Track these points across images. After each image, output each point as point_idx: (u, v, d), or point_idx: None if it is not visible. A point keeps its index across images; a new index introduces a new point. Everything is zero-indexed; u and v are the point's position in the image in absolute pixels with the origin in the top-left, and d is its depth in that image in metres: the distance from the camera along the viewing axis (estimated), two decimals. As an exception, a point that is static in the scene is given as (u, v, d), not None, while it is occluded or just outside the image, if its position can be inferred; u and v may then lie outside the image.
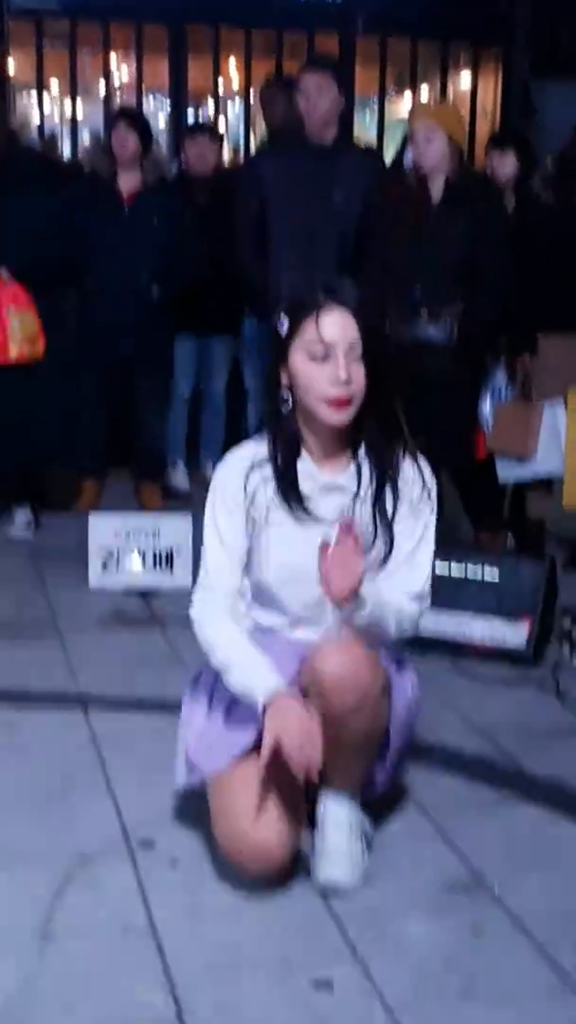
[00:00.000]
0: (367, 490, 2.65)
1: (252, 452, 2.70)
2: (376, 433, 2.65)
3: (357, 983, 2.36)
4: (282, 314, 2.60)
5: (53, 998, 2.30)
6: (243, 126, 19.26)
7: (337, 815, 2.71)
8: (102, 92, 19.61)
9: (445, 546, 4.32)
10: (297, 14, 22.51)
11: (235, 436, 6.49)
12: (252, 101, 22.11)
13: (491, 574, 4.16)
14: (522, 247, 4.86)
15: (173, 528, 4.74)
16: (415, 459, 2.71)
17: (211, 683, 2.78)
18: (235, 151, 13.73)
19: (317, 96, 4.94)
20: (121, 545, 4.72)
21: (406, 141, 4.97)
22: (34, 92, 18.28)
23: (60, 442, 5.47)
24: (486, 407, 5.12)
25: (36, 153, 6.82)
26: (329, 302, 2.56)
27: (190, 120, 14.10)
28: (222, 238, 5.37)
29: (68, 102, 18.93)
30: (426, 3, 21.80)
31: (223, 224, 5.37)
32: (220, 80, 19.54)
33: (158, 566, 4.72)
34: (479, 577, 4.17)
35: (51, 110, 23.29)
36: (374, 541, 2.65)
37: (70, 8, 21.38)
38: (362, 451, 2.67)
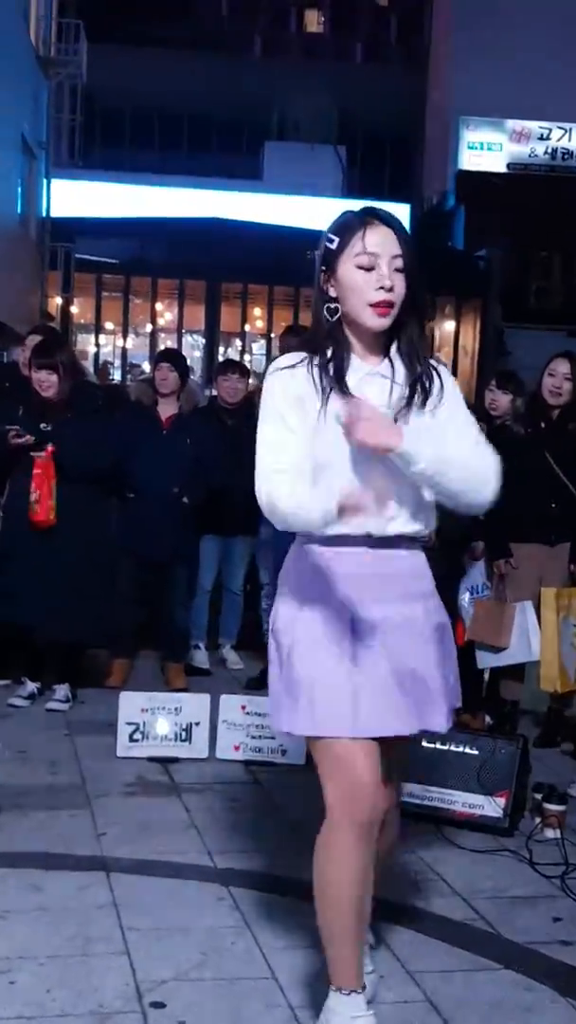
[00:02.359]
0: (403, 376, 2.50)
1: (292, 359, 2.53)
2: (409, 336, 2.51)
3: None
4: (331, 233, 2.49)
5: None
6: (265, 360, 19.73)
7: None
8: (148, 330, 20.14)
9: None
10: (311, 275, 23.26)
11: (250, 622, 6.44)
12: (272, 342, 22.81)
13: (472, 751, 4.01)
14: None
15: (193, 704, 4.61)
16: (438, 363, 2.57)
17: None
18: (260, 380, 14.08)
19: None
20: (147, 719, 4.59)
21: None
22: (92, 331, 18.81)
23: (98, 626, 5.38)
24: (465, 600, 5.12)
25: (95, 385, 6.96)
26: (374, 219, 2.46)
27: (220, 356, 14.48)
28: (247, 454, 5.39)
29: (120, 338, 19.46)
30: (418, 266, 22.64)
31: (249, 442, 5.39)
32: (247, 325, 20.12)
33: (179, 738, 4.58)
34: (460, 753, 4.01)
35: (107, 344, 24.01)
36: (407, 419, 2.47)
37: (126, 265, 22.25)
38: (393, 349, 2.52)
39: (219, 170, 25.44)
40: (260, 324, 23.26)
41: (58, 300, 21.09)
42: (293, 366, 2.51)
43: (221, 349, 23.17)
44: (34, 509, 5.07)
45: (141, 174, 24.54)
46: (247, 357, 21.86)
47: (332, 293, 2.50)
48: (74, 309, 21.82)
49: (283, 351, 6.73)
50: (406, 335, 2.51)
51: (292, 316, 21.89)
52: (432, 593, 2.58)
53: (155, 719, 4.57)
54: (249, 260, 20.93)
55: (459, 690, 2.63)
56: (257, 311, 23.26)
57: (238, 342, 23.41)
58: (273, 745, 4.50)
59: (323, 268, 2.51)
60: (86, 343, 22.82)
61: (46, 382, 5.09)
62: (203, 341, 23.08)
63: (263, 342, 23.24)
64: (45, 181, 20.28)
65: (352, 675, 2.40)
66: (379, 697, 2.41)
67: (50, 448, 5.08)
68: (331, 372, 2.48)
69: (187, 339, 22.90)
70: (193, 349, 22.47)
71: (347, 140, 27.76)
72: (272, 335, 22.59)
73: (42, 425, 5.09)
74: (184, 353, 8.20)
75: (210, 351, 22.56)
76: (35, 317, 17.77)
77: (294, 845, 3.37)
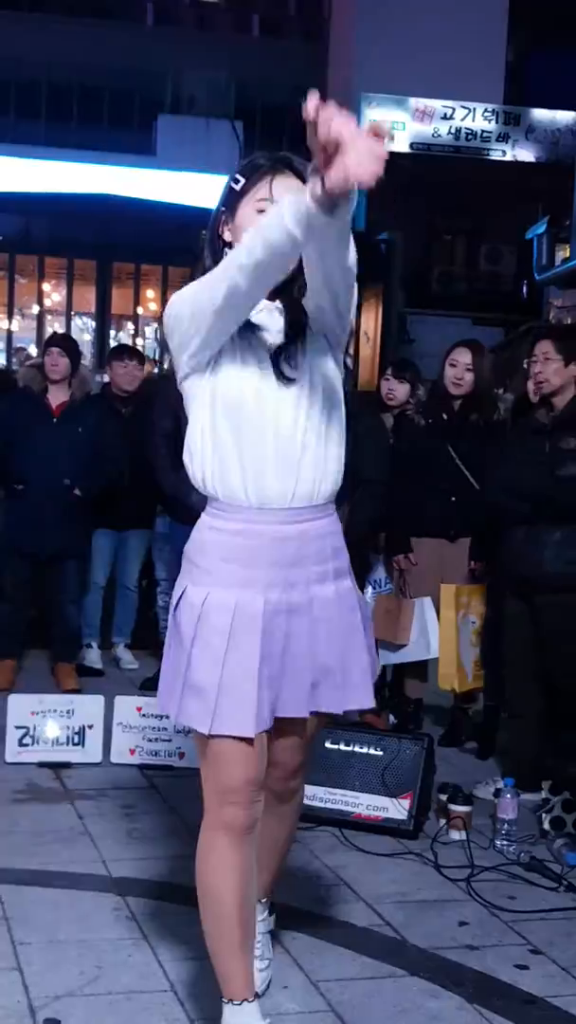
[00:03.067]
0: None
1: None
2: (300, 286, 2.37)
3: None
4: (237, 174, 2.44)
5: None
6: (158, 346, 19.64)
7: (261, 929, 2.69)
8: (35, 311, 19.90)
9: (332, 726, 4.27)
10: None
11: (145, 619, 6.41)
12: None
13: (375, 751, 4.06)
14: (397, 461, 4.97)
15: (86, 707, 4.57)
16: None
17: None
18: (153, 364, 14.04)
19: None
20: (37, 722, 4.54)
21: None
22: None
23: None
24: (368, 595, 5.18)
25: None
26: (285, 169, 2.40)
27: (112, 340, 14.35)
28: (140, 444, 5.37)
29: (4, 320, 19.16)
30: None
31: (142, 432, 5.37)
32: (140, 307, 20.01)
33: (71, 742, 4.53)
34: (364, 754, 4.06)
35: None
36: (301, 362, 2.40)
37: (10, 242, 21.88)
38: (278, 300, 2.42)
39: (110, 144, 25.13)
40: (154, 307, 23.07)
41: None
42: None
43: (112, 332, 22.93)
44: None
45: (27, 147, 24.13)
46: (140, 341, 21.69)
47: (227, 237, 2.44)
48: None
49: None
50: (297, 284, 2.39)
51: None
52: (347, 571, 2.54)
53: (46, 722, 4.53)
54: (142, 239, 20.76)
55: (375, 668, 2.62)
56: (151, 293, 23.08)
57: (130, 325, 23.20)
58: (171, 748, 4.50)
59: (223, 209, 2.45)
60: (-32, 327, 22.37)
61: None
62: (93, 324, 22.82)
63: (156, 326, 23.10)
64: None
65: (261, 667, 2.36)
66: (288, 686, 2.41)
67: None
68: None
69: (76, 321, 22.60)
70: (83, 332, 22.19)
71: (244, 115, 27.71)
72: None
73: None
74: (74, 337, 8.10)
75: (101, 335, 22.31)
76: None
77: (192, 852, 3.37)
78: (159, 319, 24.90)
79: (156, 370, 12.04)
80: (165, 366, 12.25)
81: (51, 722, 4.53)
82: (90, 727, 4.54)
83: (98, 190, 21.61)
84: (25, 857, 3.62)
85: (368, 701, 2.52)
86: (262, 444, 2.37)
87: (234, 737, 2.36)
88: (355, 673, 2.50)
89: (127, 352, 6.30)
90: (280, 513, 2.40)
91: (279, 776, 2.58)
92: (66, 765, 4.46)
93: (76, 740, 4.53)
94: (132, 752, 4.52)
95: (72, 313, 22.56)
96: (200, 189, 23.73)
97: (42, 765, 4.47)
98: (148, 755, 4.53)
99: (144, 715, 4.53)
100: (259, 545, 2.40)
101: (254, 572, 2.40)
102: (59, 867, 3.54)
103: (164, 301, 24.85)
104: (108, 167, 23.94)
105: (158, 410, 5.11)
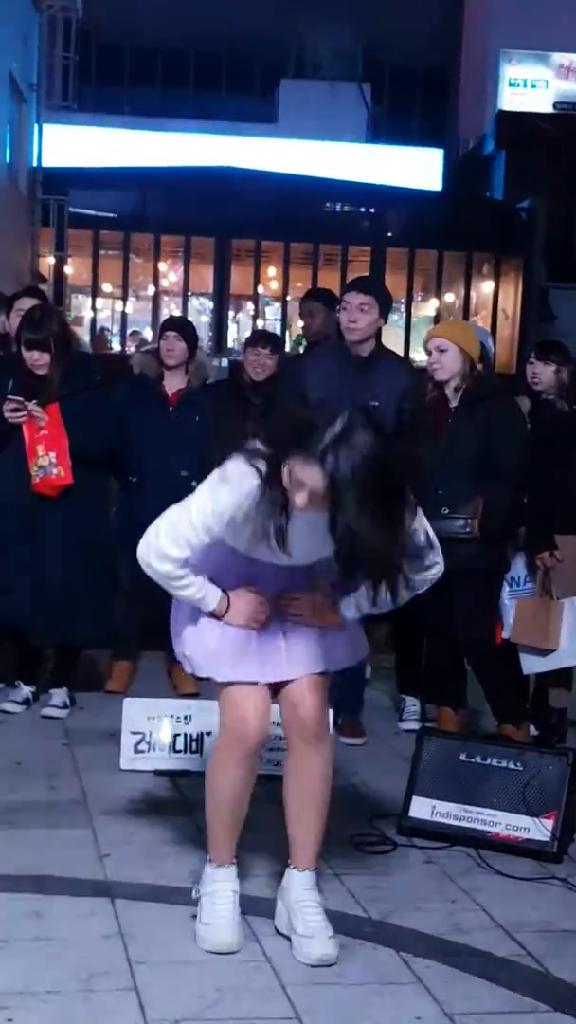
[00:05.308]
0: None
1: (254, 483, 2.98)
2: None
3: None
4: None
5: None
6: (280, 328, 19.69)
7: (312, 898, 3.24)
8: (150, 292, 20.13)
9: (469, 738, 4.22)
10: (332, 229, 23.25)
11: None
12: (289, 306, 22.66)
13: (515, 766, 4.01)
14: (536, 449, 4.90)
15: (204, 712, 4.62)
16: None
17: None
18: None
19: (359, 315, 5.03)
20: (153, 728, 4.61)
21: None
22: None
23: (97, 625, 5.40)
24: (505, 594, 5.11)
25: (91, 356, 6.92)
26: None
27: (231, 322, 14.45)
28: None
29: (119, 302, 19.43)
30: (452, 219, 22.61)
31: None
32: (260, 286, 20.07)
33: (189, 750, 4.59)
34: (503, 769, 4.02)
35: (104, 308, 23.94)
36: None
37: (126, 220, 22.17)
38: None
39: (229, 113, 25.37)
40: (275, 286, 23.23)
41: (50, 259, 21.11)
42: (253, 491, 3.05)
43: (231, 314, 23.14)
44: (52, 474, 5.06)
45: (143, 118, 24.49)
46: (260, 323, 21.83)
47: (286, 480, 2.96)
48: (68, 270, 21.85)
49: (304, 318, 6.73)
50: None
51: (311, 276, 21.87)
52: None
53: (162, 728, 4.59)
54: (263, 214, 20.90)
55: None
56: (271, 271, 23.23)
57: (250, 306, 23.38)
58: (294, 758, 4.51)
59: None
60: (81, 307, 22.84)
61: (39, 361, 5.09)
62: (211, 305, 23.06)
63: (278, 306, 23.20)
64: (36, 127, 20.26)
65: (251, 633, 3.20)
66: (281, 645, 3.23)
67: (53, 405, 5.07)
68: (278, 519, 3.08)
69: (193, 303, 22.87)
70: (200, 314, 22.44)
71: (372, 78, 27.64)
72: (288, 298, 22.56)
73: (33, 403, 5.10)
74: (191, 319, 8.16)
75: (219, 317, 22.53)
76: (25, 279, 17.81)
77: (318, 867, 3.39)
78: (281, 299, 24.95)
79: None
80: (287, 349, 12.27)
81: (167, 728, 4.59)
82: (208, 734, 4.58)
83: (217, 162, 21.82)
84: (141, 871, 3.68)
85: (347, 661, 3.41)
86: None
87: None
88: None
89: (262, 339, 6.24)
90: None
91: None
92: (184, 773, 4.51)
93: (194, 747, 4.59)
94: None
95: (189, 294, 22.84)
96: (325, 158, 23.81)
97: (158, 773, 4.53)
98: (270, 765, 4.55)
99: (271, 722, 4.54)
100: None
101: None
102: (177, 882, 3.57)
103: (287, 280, 24.88)
104: (227, 137, 24.14)
105: (284, 397, 5.13)
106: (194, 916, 3.27)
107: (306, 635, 3.26)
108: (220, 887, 3.27)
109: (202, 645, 3.26)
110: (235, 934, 3.19)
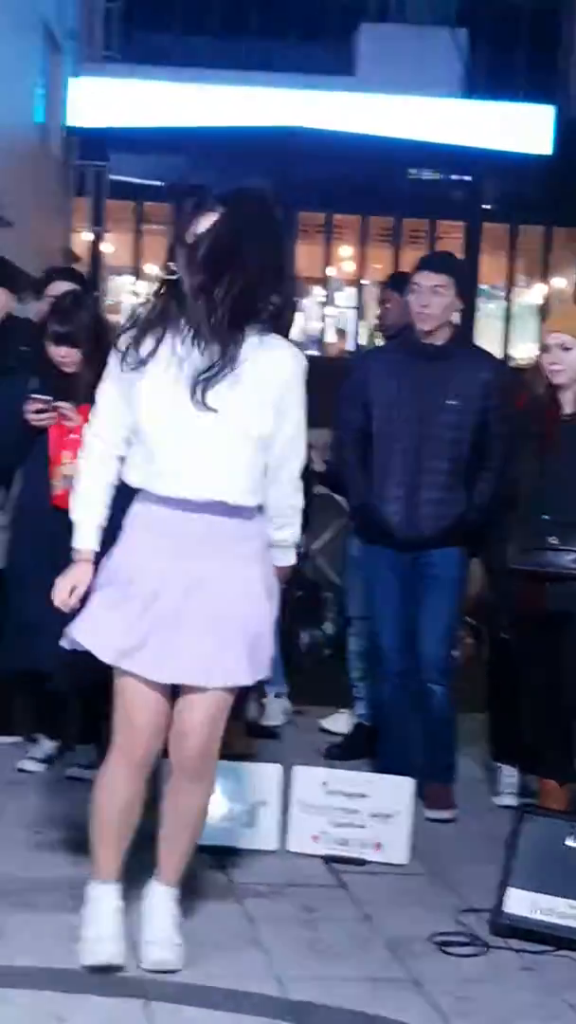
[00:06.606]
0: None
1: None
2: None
3: None
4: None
5: None
6: (356, 317, 19.70)
7: (168, 910, 3.67)
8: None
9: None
10: (418, 200, 23.23)
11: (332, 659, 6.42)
12: (365, 291, 22.65)
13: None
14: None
15: (259, 778, 4.60)
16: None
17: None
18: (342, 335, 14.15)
19: (433, 298, 5.02)
20: (198, 795, 4.59)
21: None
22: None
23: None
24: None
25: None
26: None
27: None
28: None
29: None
30: (562, 189, 22.53)
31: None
32: (331, 268, 20.14)
33: (239, 823, 4.57)
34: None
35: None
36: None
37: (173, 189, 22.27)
38: None
39: (298, 64, 25.45)
40: (349, 267, 23.24)
41: (86, 236, 21.31)
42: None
43: (296, 300, 23.11)
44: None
45: (195, 70, 24.58)
46: (330, 311, 21.84)
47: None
48: (106, 247, 22.04)
49: (382, 305, 6.71)
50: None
51: (392, 257, 21.86)
52: (261, 558, 3.62)
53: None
54: (336, 182, 20.96)
55: (270, 651, 3.71)
56: (345, 250, 23.25)
57: (319, 291, 23.40)
58: (364, 837, 4.49)
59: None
60: (120, 291, 23.00)
61: (67, 358, 5.11)
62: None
63: (351, 292, 23.21)
64: (73, 82, 20.46)
65: (148, 620, 3.53)
66: (174, 645, 3.51)
67: (85, 406, 5.09)
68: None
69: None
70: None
71: (469, 21, 27.65)
72: (364, 282, 22.57)
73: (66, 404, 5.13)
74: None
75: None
76: (58, 257, 17.96)
77: (391, 972, 3.35)
78: (355, 282, 24.90)
79: (352, 347, 12.08)
80: (361, 342, 12.28)
81: (217, 795, 4.57)
82: (263, 804, 4.57)
83: (282, 122, 21.88)
84: (182, 968, 3.65)
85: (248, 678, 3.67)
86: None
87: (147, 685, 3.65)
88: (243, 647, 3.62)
89: None
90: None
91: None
92: (232, 851, 4.50)
93: (245, 820, 4.57)
94: (315, 839, 4.54)
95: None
96: (411, 116, 23.81)
97: (203, 850, 4.51)
98: (335, 843, 4.53)
99: (331, 792, 4.53)
100: None
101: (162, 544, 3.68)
102: (221, 983, 3.56)
103: (364, 260, 24.85)
104: (295, 91, 24.15)
105: (344, 397, 5.13)
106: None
107: (207, 638, 3.52)
108: (98, 905, 3.65)
109: (90, 603, 3.67)
110: (112, 952, 3.56)
